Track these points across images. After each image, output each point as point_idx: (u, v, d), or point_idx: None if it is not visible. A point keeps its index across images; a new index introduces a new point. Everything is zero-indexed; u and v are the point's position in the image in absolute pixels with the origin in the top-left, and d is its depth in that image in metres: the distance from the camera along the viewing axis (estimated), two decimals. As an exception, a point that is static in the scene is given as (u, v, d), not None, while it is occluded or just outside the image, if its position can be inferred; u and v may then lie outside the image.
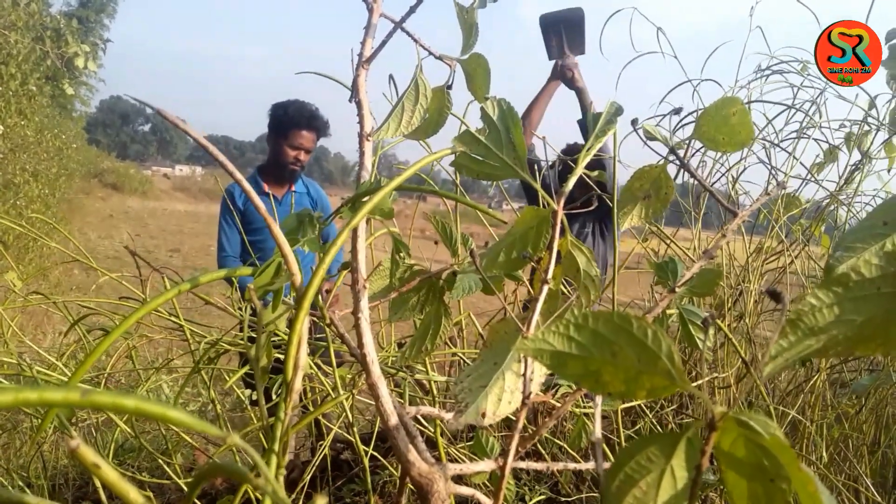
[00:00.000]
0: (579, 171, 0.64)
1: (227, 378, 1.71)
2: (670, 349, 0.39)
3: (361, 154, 0.71)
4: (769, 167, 2.88)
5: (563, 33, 3.27)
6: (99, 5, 22.74)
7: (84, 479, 2.25)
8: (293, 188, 3.48)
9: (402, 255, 0.80)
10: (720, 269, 0.81)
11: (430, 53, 0.83)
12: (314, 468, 1.99)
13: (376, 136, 0.78)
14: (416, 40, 0.80)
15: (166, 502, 2.23)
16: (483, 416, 0.57)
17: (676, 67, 2.86)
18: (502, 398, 0.59)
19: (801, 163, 2.94)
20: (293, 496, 1.84)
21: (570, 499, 2.29)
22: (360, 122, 0.73)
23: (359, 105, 0.73)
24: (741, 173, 3.02)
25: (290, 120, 3.40)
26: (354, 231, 0.70)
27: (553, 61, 3.38)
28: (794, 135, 3.01)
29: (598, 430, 0.46)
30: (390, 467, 2.09)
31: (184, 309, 1.81)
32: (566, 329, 0.42)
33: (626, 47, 2.93)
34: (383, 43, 0.75)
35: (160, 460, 1.58)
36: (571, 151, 3.42)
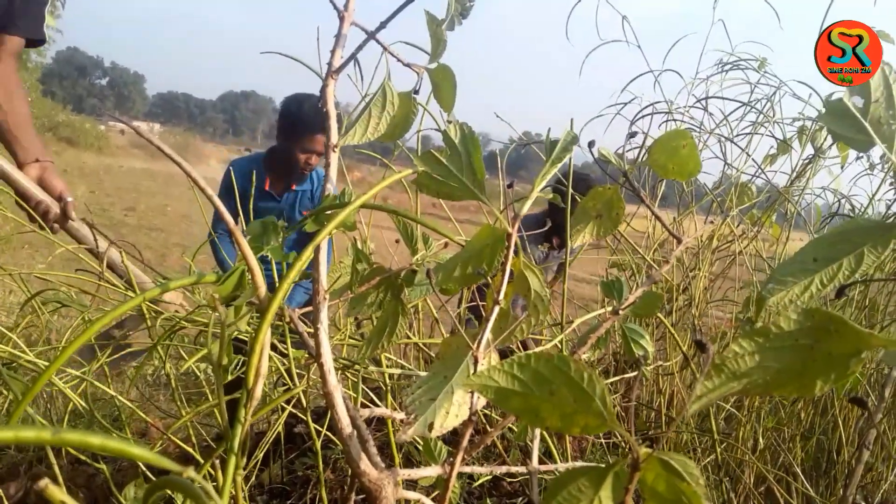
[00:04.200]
0: (534, 194, 0.67)
1: (184, 356, 1.72)
2: (603, 392, 0.43)
3: (327, 166, 0.73)
4: (724, 161, 2.97)
5: None
6: (58, -49, 21.97)
7: (39, 454, 2.25)
8: (294, 187, 3.26)
9: (362, 265, 0.83)
10: (661, 294, 0.85)
11: (399, 61, 0.85)
12: (268, 443, 2.02)
13: (343, 142, 0.80)
14: (385, 48, 0.82)
15: (117, 469, 2.24)
16: (430, 427, 0.61)
17: (640, 56, 2.90)
18: (450, 412, 0.62)
19: (753, 160, 3.03)
20: (247, 469, 1.87)
21: (515, 479, 2.36)
22: (328, 133, 0.75)
23: (327, 115, 0.75)
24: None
25: (305, 124, 3.10)
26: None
27: None
28: (749, 129, 3.10)
29: (535, 461, 0.50)
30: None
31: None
32: (510, 367, 0.45)
33: (591, 35, 2.96)
34: (353, 54, 0.77)
35: (113, 433, 1.59)
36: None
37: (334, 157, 0.74)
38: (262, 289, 0.59)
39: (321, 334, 0.66)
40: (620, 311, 0.71)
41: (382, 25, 0.76)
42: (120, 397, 1.67)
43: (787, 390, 0.48)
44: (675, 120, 2.95)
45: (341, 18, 0.78)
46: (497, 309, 0.64)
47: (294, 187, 3.25)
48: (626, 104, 3.00)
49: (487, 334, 0.63)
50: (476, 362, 0.62)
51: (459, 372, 0.64)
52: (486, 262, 0.70)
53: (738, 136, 3.06)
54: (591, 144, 0.77)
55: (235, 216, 3.36)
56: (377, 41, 0.77)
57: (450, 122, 0.78)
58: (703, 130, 2.89)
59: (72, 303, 1.71)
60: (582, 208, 0.80)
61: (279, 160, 3.20)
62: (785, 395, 0.49)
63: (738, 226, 3.09)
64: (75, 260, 1.88)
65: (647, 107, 2.77)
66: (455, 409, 0.62)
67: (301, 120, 3.12)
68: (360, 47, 0.77)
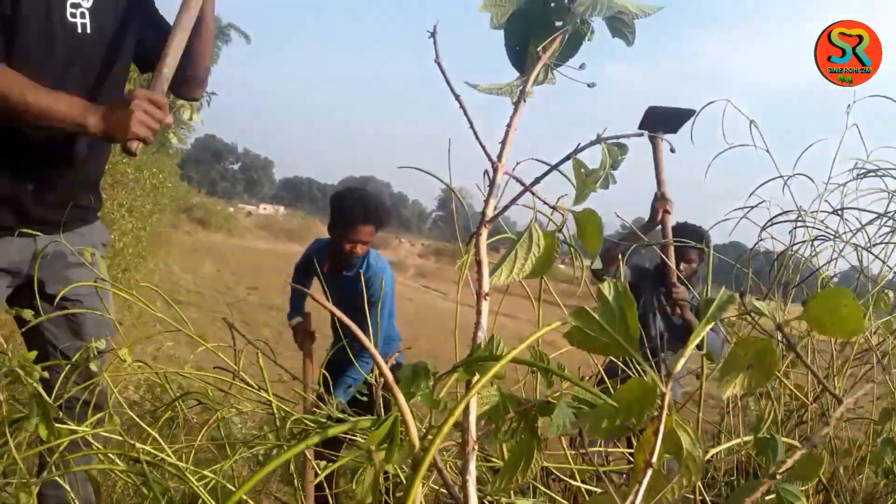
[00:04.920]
0: (688, 351, 0.67)
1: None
2: None
3: (479, 313, 0.75)
4: (860, 273, 2.83)
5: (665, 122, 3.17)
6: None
7: None
8: (343, 271, 3.55)
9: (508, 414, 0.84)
10: (822, 457, 0.81)
11: (546, 203, 0.87)
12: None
13: (492, 283, 0.82)
14: (535, 195, 0.84)
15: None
16: None
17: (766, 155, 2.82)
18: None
19: (892, 269, 2.87)
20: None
21: None
22: (479, 281, 0.77)
23: (479, 264, 0.77)
24: (832, 278, 2.96)
25: (348, 214, 3.42)
26: (466, 384, 0.74)
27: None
28: (887, 238, 2.95)
29: None
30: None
31: (274, 382, 1.88)
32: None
33: (717, 138, 2.93)
34: (507, 206, 0.80)
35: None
36: (682, 232, 3.39)
37: (485, 305, 0.76)
38: (417, 444, 0.61)
39: (470, 486, 0.66)
40: (778, 476, 0.69)
41: (537, 181, 0.78)
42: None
43: None
44: (805, 226, 2.85)
45: (495, 169, 0.81)
46: (650, 472, 0.63)
47: (343, 271, 3.55)
48: (752, 208, 2.92)
49: (639, 498, 0.62)
50: (629, 529, 0.61)
51: (611, 537, 0.62)
52: (635, 417, 0.69)
53: (874, 245, 2.92)
54: (741, 294, 0.76)
55: (309, 289, 3.63)
56: (532, 192, 0.80)
57: (604, 279, 0.79)
58: (838, 240, 2.77)
59: (207, 400, 1.79)
60: (732, 357, 0.78)
61: (331, 250, 3.58)
62: None
63: (874, 334, 2.91)
64: (190, 343, 1.97)
65: (778, 214, 2.70)
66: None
67: (345, 213, 3.45)
68: (513, 201, 0.80)
